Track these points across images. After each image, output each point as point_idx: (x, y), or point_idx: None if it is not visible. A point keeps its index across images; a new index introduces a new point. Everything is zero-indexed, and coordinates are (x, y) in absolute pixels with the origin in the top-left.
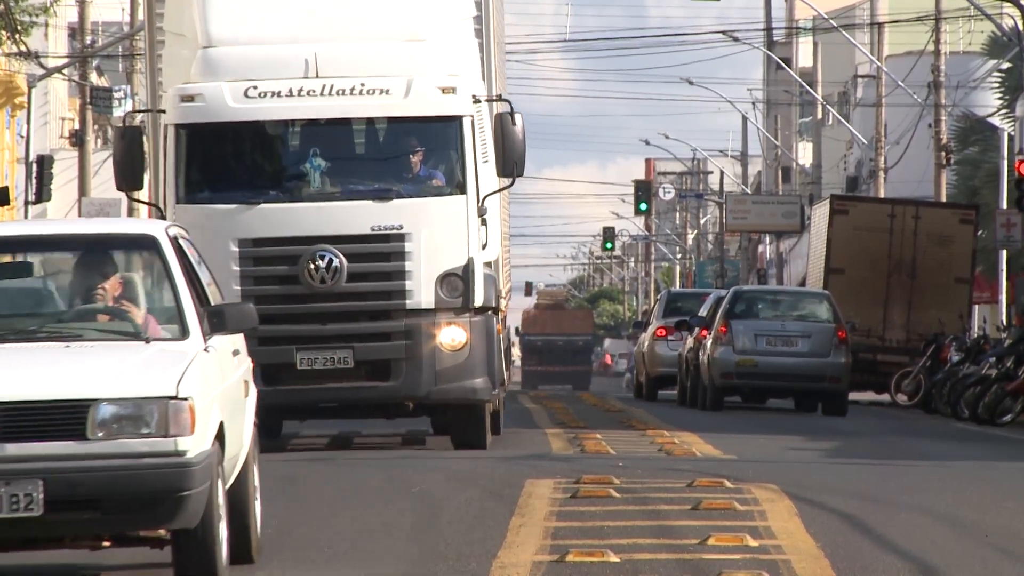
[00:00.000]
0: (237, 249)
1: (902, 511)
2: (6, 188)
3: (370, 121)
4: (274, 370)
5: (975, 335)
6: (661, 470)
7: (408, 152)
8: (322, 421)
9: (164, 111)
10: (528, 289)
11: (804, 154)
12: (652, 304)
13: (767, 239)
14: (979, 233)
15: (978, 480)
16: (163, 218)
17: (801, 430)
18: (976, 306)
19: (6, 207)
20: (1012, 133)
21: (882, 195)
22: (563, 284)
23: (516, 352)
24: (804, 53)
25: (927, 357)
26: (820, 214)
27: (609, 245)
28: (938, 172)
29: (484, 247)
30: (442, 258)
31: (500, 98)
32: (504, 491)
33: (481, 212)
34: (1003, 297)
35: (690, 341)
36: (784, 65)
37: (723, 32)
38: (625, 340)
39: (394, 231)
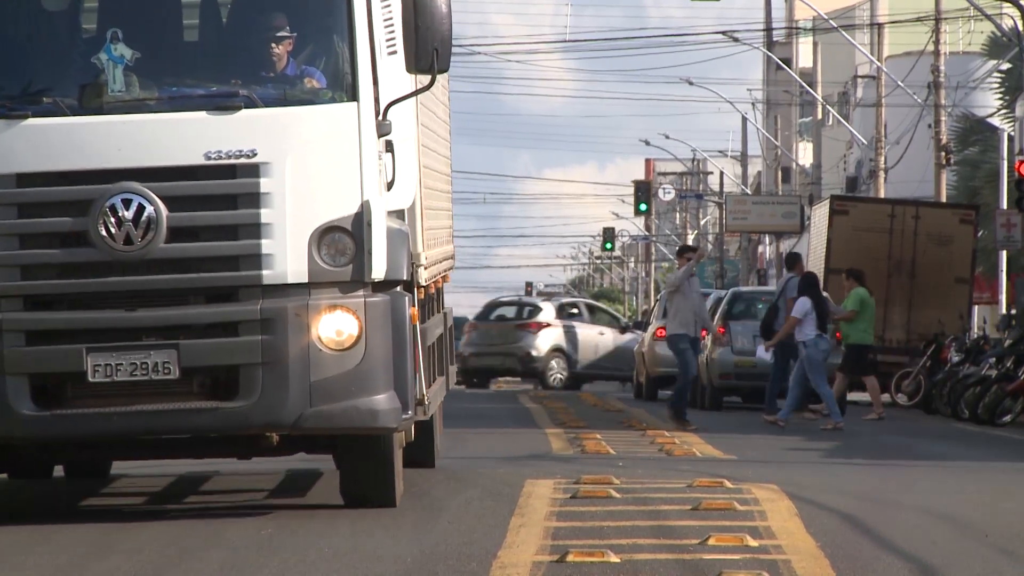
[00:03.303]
0: None
1: (902, 511)
2: None
3: None
4: (52, 384)
5: (975, 335)
6: (661, 470)
7: (266, 35)
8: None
9: None
10: (528, 290)
11: (804, 154)
12: (652, 304)
13: (767, 239)
14: (979, 233)
15: (978, 480)
16: None
17: (801, 430)
18: (976, 306)
19: None
20: (1012, 133)
21: (882, 195)
22: (563, 285)
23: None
24: (804, 53)
25: (927, 357)
26: (820, 214)
27: (609, 245)
28: (938, 172)
29: (390, 186)
30: (320, 203)
31: None
32: (504, 491)
33: (383, 130)
34: (1003, 297)
35: None
36: (784, 65)
37: (723, 32)
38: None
39: (243, 160)
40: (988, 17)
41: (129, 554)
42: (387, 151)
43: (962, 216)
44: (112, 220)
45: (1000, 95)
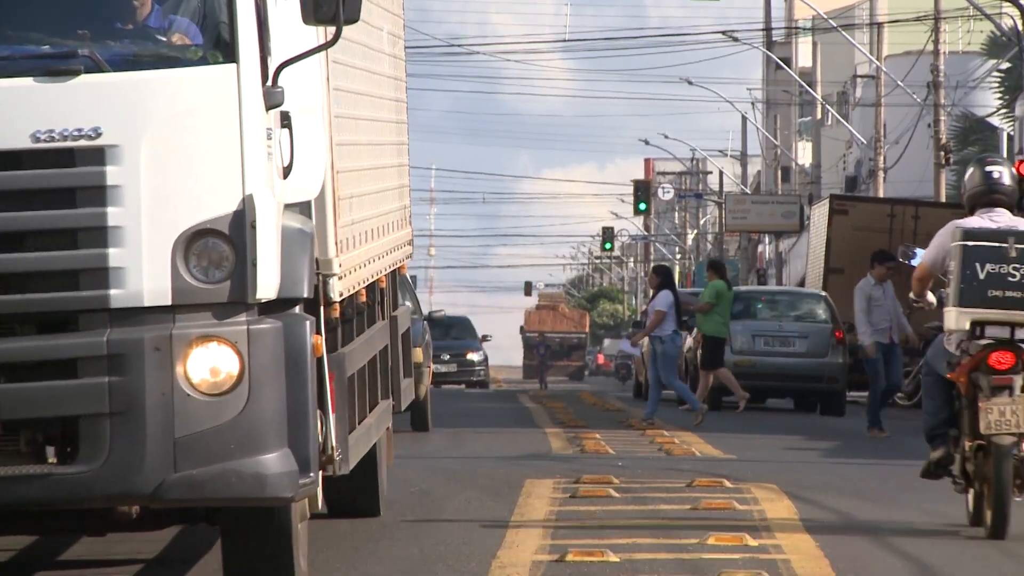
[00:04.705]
0: None
1: (902, 511)
2: None
3: None
4: None
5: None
6: (660, 470)
7: None
8: None
9: None
10: (528, 289)
11: (803, 154)
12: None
13: (766, 239)
14: None
15: None
16: None
17: (800, 430)
18: None
19: None
20: (1012, 133)
21: (881, 195)
22: (562, 284)
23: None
24: (803, 53)
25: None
26: (819, 214)
27: (608, 245)
28: (937, 172)
29: (287, 172)
30: (188, 198)
31: None
32: (504, 491)
33: (273, 100)
34: None
35: (689, 341)
36: (783, 65)
37: (723, 32)
38: (625, 340)
39: (84, 142)
40: (988, 17)
41: None
42: (282, 127)
43: (962, 216)
44: None
45: (1000, 95)
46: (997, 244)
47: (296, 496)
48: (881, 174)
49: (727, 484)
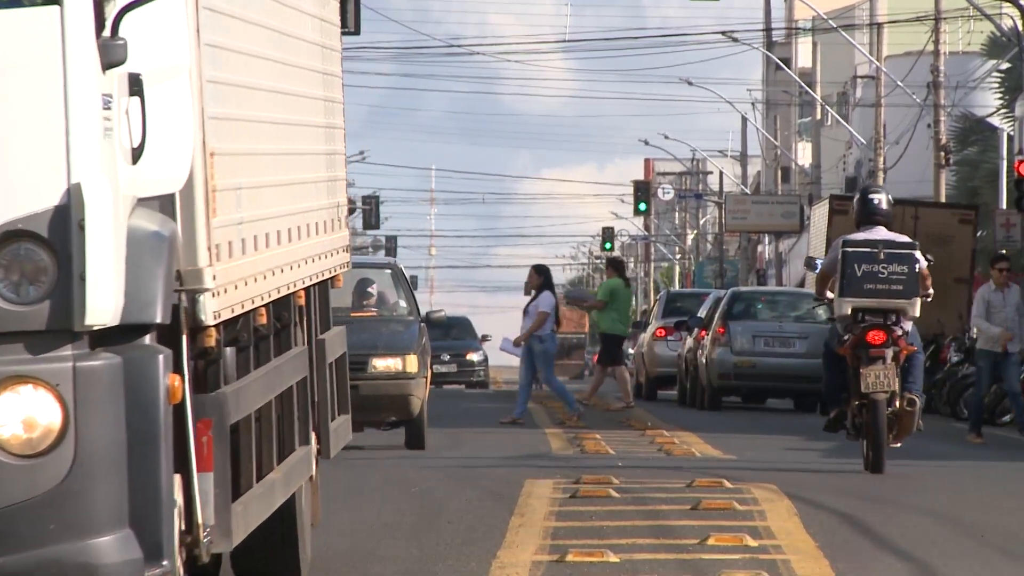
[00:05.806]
0: None
1: (902, 511)
2: None
3: None
4: None
5: (974, 335)
6: (660, 470)
7: None
8: None
9: None
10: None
11: (803, 154)
12: (651, 304)
13: (766, 239)
14: (978, 233)
15: (978, 480)
16: None
17: (800, 430)
18: None
19: None
20: (1011, 133)
21: None
22: (562, 285)
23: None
24: (803, 53)
25: (926, 357)
26: (819, 214)
27: (608, 245)
28: (937, 172)
29: (135, 154)
30: None
31: None
32: (504, 491)
33: (113, 56)
34: None
35: (689, 341)
36: (783, 65)
37: (722, 32)
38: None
39: None
40: (988, 17)
41: None
42: (130, 94)
43: (961, 216)
44: None
45: (1000, 95)
46: (869, 250)
47: None
48: (881, 174)
49: (727, 484)
